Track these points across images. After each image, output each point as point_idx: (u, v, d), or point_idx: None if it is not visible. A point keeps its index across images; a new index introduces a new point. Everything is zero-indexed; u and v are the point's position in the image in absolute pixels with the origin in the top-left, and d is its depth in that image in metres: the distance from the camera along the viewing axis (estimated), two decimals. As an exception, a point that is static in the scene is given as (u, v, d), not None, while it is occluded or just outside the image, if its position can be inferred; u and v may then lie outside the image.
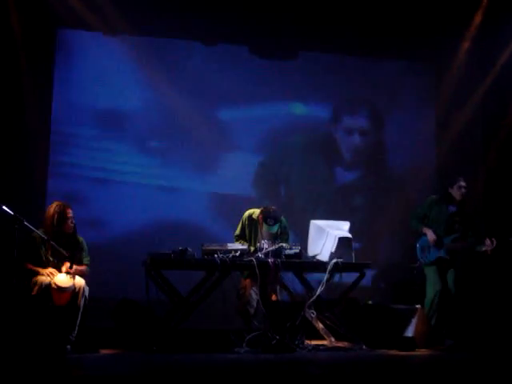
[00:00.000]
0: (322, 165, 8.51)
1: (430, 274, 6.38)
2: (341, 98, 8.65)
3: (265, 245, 6.05)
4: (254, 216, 6.44)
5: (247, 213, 6.52)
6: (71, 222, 5.69)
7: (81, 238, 5.81)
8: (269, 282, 5.92)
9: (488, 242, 6.17)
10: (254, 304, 6.16)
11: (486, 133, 8.59)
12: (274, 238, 6.34)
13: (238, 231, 6.50)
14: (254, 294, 6.17)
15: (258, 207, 6.55)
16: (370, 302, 6.68)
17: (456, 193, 6.45)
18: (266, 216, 6.25)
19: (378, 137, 8.75)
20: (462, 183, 6.46)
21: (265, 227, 6.29)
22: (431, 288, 6.33)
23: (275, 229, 6.31)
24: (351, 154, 8.63)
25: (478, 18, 8.15)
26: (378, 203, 8.57)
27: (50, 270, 5.51)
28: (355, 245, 6.31)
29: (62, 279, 5.48)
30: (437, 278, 6.32)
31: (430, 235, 6.36)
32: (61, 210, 5.64)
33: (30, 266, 5.55)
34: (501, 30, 8.08)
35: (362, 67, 8.66)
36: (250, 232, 6.44)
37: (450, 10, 7.95)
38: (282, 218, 6.48)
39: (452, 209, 6.48)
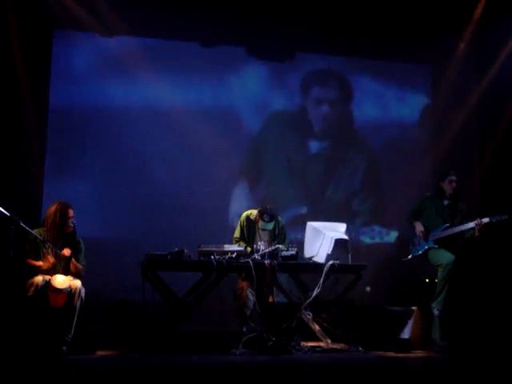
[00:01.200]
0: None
1: (437, 252, 6.41)
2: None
3: (261, 246, 6.06)
4: (252, 217, 6.46)
5: (245, 214, 6.54)
6: (71, 223, 5.70)
7: (80, 239, 5.82)
8: (265, 284, 5.93)
9: (477, 220, 6.25)
10: (251, 305, 6.16)
11: (483, 134, 8.60)
12: (271, 238, 6.36)
13: (236, 234, 6.51)
14: (250, 296, 6.18)
15: (255, 208, 6.57)
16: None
17: (447, 187, 6.57)
18: (263, 212, 6.32)
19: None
20: (453, 177, 6.57)
21: (261, 224, 6.34)
22: (444, 260, 6.32)
23: (271, 226, 6.34)
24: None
25: (474, 20, 8.16)
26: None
27: (51, 260, 5.50)
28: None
29: (58, 280, 5.48)
30: (445, 252, 6.35)
31: (418, 227, 6.51)
32: (62, 210, 5.66)
33: (30, 261, 5.55)
34: (498, 32, 8.08)
35: (358, 69, 8.68)
36: (248, 233, 6.46)
37: (447, 12, 7.97)
38: (280, 218, 6.50)
39: (445, 202, 6.59)
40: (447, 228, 6.46)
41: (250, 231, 6.45)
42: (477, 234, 6.28)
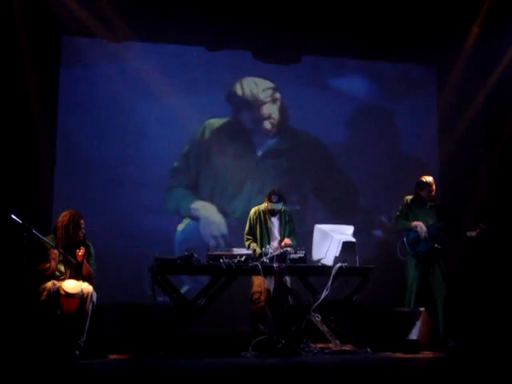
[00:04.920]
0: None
1: (411, 272, 6.48)
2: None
3: (270, 249, 6.14)
4: (261, 209, 6.63)
5: (253, 210, 6.70)
6: (82, 233, 5.78)
7: (90, 244, 5.88)
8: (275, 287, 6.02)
9: (482, 225, 6.33)
10: (271, 288, 6.25)
11: (489, 133, 8.60)
12: (281, 227, 6.55)
13: (247, 229, 6.66)
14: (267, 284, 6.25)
15: (261, 204, 6.72)
16: None
17: (425, 194, 6.62)
18: (270, 194, 6.54)
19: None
20: (431, 186, 6.61)
21: (269, 205, 6.52)
22: (409, 287, 6.45)
23: (279, 206, 6.54)
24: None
25: (480, 19, 8.17)
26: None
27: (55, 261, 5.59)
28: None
29: (70, 285, 5.55)
30: (416, 276, 6.43)
31: (421, 227, 6.47)
32: (75, 221, 5.73)
33: (40, 266, 5.61)
34: (503, 31, 8.09)
35: (363, 69, 8.70)
36: (259, 225, 6.58)
37: (452, 11, 7.98)
38: (286, 208, 6.64)
39: (430, 203, 6.64)
40: (443, 228, 6.49)
41: (260, 223, 6.57)
42: (475, 235, 6.37)
